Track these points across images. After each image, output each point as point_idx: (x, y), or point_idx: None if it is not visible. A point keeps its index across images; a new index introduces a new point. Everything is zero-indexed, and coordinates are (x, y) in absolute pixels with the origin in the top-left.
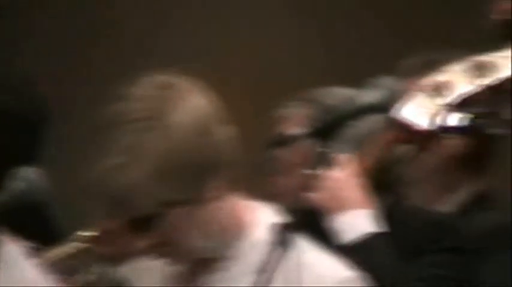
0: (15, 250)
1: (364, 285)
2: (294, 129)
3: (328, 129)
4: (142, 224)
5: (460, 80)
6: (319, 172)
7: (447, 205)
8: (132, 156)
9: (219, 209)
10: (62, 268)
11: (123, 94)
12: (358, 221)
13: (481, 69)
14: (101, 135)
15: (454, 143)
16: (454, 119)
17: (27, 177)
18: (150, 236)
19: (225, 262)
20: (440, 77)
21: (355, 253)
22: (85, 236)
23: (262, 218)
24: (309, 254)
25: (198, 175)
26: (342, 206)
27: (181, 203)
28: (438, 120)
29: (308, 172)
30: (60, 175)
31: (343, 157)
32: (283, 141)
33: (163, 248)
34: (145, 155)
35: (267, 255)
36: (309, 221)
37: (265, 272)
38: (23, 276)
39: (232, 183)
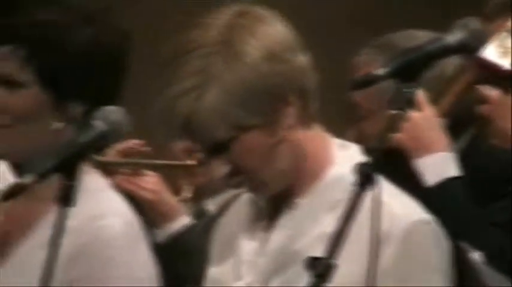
0: (97, 181)
1: (436, 230)
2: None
3: (411, 69)
4: (215, 150)
5: None
6: (402, 112)
7: None
8: (203, 79)
9: (295, 140)
10: None
11: (198, 23)
12: (438, 165)
13: None
14: (173, 64)
15: None
16: None
17: (109, 117)
18: (224, 163)
19: (302, 199)
20: None
21: (432, 196)
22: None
23: (343, 155)
24: (387, 193)
25: (270, 100)
26: (423, 148)
27: (254, 128)
28: None
29: (391, 112)
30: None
31: (424, 97)
32: (365, 82)
33: (239, 177)
34: (216, 78)
35: (347, 193)
36: (390, 162)
37: (345, 211)
38: (99, 206)
39: (312, 117)
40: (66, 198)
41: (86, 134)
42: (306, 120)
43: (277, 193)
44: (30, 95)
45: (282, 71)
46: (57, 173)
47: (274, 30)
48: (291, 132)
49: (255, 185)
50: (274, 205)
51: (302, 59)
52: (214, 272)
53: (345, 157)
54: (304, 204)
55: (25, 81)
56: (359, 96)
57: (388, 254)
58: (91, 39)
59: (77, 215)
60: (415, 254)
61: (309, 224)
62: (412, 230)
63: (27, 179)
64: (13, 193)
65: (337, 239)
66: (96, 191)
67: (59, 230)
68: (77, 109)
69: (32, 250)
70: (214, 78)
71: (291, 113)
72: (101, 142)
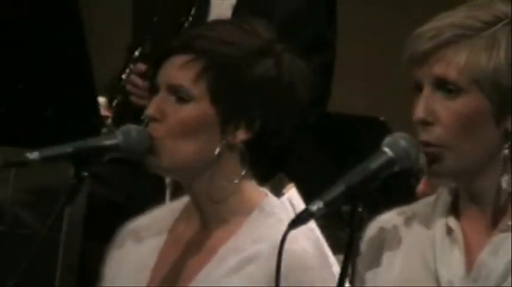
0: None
1: None
2: None
3: None
4: None
5: None
6: None
7: None
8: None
9: None
10: None
11: None
12: None
13: None
14: None
15: None
16: None
17: (398, 144)
18: None
19: None
20: None
21: None
22: None
23: None
24: None
25: None
26: None
27: None
28: None
29: None
30: None
31: None
32: None
33: None
34: None
35: None
36: None
37: None
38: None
39: None
40: (353, 225)
41: (375, 160)
42: None
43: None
44: (198, 109)
45: None
46: (346, 201)
47: None
48: None
49: None
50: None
51: None
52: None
53: None
54: None
55: (196, 95)
56: None
57: None
58: (266, 71)
59: (266, 240)
60: None
61: None
62: None
63: (315, 206)
64: (301, 220)
65: None
66: (279, 214)
67: (348, 257)
68: (240, 136)
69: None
70: None
71: None
72: (390, 169)
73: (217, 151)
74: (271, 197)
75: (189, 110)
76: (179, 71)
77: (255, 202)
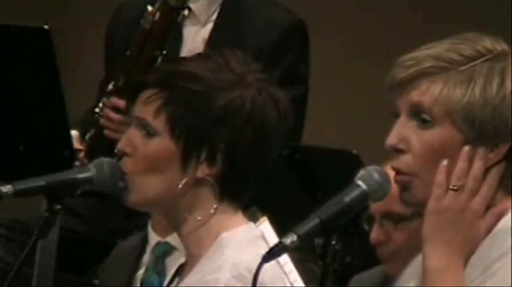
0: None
1: None
2: None
3: None
4: None
5: None
6: None
7: None
8: None
9: None
10: None
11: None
12: None
13: None
14: None
15: None
16: None
17: (372, 177)
18: None
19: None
20: None
21: None
22: None
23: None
24: None
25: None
26: None
27: None
28: None
29: None
30: None
31: None
32: None
33: None
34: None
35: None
36: None
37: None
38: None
39: None
40: (327, 258)
41: (349, 193)
42: None
43: None
44: (161, 144)
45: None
46: (319, 234)
47: None
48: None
49: None
50: None
51: None
52: None
53: None
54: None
55: (158, 130)
56: None
57: None
58: (228, 104)
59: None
60: None
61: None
62: None
63: (288, 239)
64: (275, 254)
65: None
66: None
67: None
68: (204, 171)
69: None
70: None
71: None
72: (363, 202)
73: (180, 185)
74: (235, 231)
75: (153, 145)
76: (144, 105)
77: (218, 237)
